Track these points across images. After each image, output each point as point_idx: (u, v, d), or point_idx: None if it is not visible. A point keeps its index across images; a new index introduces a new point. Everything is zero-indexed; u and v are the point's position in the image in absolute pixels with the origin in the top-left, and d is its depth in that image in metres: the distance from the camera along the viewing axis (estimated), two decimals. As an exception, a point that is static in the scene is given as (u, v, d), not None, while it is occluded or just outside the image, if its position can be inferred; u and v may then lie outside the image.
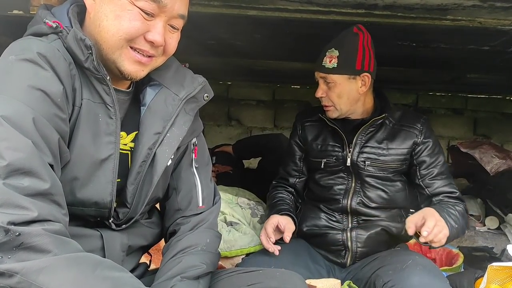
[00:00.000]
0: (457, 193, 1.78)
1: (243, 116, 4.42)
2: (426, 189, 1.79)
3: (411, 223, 1.55)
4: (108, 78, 1.03)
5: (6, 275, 0.80)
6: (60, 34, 1.02)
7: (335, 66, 1.74)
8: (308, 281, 1.38)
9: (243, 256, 1.94)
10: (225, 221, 2.12)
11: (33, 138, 0.88)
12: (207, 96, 1.20)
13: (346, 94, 1.76)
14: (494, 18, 1.67)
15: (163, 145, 1.13)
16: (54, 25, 1.02)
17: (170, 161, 1.16)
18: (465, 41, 2.07)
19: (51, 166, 0.91)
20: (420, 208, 1.70)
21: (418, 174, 1.80)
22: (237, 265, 1.83)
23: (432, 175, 1.78)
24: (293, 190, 2.00)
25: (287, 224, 1.74)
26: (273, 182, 2.05)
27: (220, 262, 1.69)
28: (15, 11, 1.69)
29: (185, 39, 2.27)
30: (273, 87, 4.37)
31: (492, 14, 1.62)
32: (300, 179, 1.98)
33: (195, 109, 1.20)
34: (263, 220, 2.25)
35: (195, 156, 1.26)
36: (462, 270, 2.17)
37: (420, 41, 2.13)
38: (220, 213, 2.03)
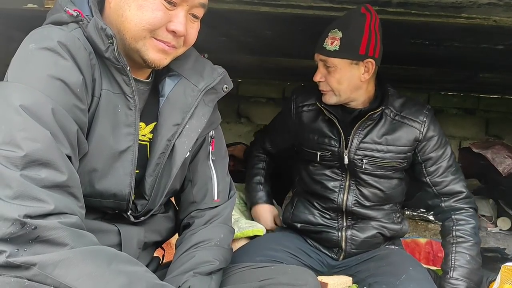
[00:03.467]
0: (465, 193, 1.72)
1: (253, 113, 4.41)
2: (433, 188, 1.72)
3: None
4: (128, 68, 1.02)
5: (22, 268, 0.81)
6: (81, 23, 1.01)
7: (337, 49, 1.59)
8: (319, 278, 1.37)
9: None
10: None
11: (51, 129, 0.87)
12: (226, 87, 1.20)
13: (346, 80, 1.63)
14: (510, 17, 1.65)
15: (182, 137, 1.13)
16: (75, 14, 1.01)
17: (188, 153, 1.15)
18: (479, 40, 2.05)
19: (69, 157, 0.90)
20: (418, 198, 1.78)
21: (424, 171, 1.72)
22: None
23: (440, 173, 1.70)
24: (267, 157, 2.06)
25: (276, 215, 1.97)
26: (253, 149, 2.12)
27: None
28: (30, 5, 1.70)
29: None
30: (283, 85, 4.36)
31: (508, 12, 1.60)
32: (275, 151, 2.04)
33: (214, 101, 1.19)
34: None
35: (212, 149, 1.26)
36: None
37: (433, 39, 2.11)
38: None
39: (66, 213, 0.86)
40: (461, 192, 1.72)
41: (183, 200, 1.27)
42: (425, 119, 1.68)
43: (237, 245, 1.91)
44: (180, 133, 1.13)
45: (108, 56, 1.00)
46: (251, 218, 2.18)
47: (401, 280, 1.49)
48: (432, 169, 1.71)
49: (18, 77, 0.92)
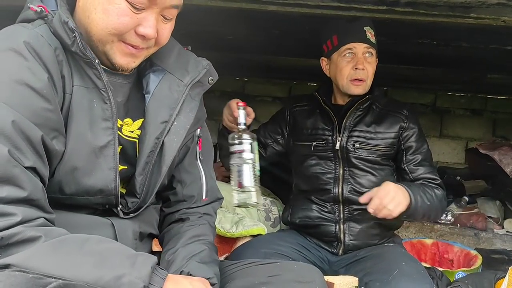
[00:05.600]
0: (439, 181, 1.83)
1: (259, 112, 4.36)
2: (410, 174, 1.83)
3: (367, 194, 1.65)
4: (97, 61, 0.99)
5: (14, 269, 0.82)
6: (46, 18, 0.98)
7: (375, 42, 1.81)
8: (326, 278, 1.37)
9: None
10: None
11: (12, 142, 0.86)
12: (211, 79, 1.17)
13: (375, 71, 1.84)
14: (519, 17, 1.63)
15: (171, 134, 1.11)
16: (39, 10, 0.98)
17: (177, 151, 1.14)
18: (487, 40, 2.03)
19: (34, 168, 0.90)
20: None
21: (404, 159, 1.84)
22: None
23: (417, 161, 1.82)
24: None
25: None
26: None
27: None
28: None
29: (204, 34, 2.27)
30: (289, 84, 4.35)
31: (517, 12, 1.58)
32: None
33: (201, 94, 1.17)
34: (276, 223, 2.25)
35: (199, 148, 1.24)
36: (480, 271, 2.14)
37: (442, 40, 2.10)
38: (231, 212, 2.04)
39: (32, 219, 0.87)
40: (434, 179, 1.82)
41: (172, 199, 1.26)
42: (407, 112, 1.86)
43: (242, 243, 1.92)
44: (169, 130, 1.11)
45: (74, 50, 0.96)
46: (258, 216, 2.19)
47: (393, 275, 1.53)
48: (410, 157, 1.83)
49: None
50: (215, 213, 1.31)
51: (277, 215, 2.28)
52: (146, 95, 1.13)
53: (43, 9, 0.99)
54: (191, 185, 1.24)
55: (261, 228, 1.98)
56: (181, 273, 1.06)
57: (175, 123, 1.11)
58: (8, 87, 0.89)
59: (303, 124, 1.91)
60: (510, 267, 1.49)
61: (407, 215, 1.69)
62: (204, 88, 1.18)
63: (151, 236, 1.25)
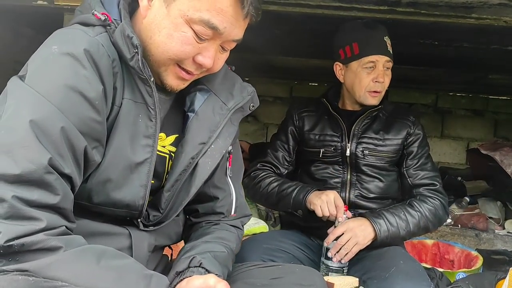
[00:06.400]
0: (437, 186, 1.81)
1: (260, 112, 4.40)
2: (408, 179, 1.83)
3: (332, 235, 1.64)
4: (152, 79, 0.99)
5: (16, 273, 0.81)
6: (108, 27, 0.98)
7: (392, 53, 1.78)
8: (326, 278, 1.38)
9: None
10: None
11: (56, 148, 0.86)
12: (253, 106, 1.18)
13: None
14: (521, 18, 1.63)
15: (206, 157, 1.10)
16: (103, 18, 0.98)
17: (209, 174, 1.14)
18: (489, 41, 2.03)
19: (70, 177, 0.89)
20: (405, 199, 1.81)
21: (404, 163, 1.84)
22: None
23: (416, 165, 1.82)
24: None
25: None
26: (259, 165, 1.95)
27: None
28: (40, 2, 1.69)
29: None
30: (290, 84, 4.35)
31: (519, 13, 1.58)
32: (289, 171, 1.94)
33: (240, 119, 1.17)
34: (276, 222, 2.25)
35: (229, 165, 1.23)
36: (481, 272, 2.14)
37: (443, 40, 2.10)
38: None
39: (55, 227, 0.86)
40: (433, 184, 1.80)
41: (201, 210, 1.25)
42: (414, 119, 1.86)
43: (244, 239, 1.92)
44: (205, 152, 1.10)
45: (132, 65, 0.97)
46: (258, 215, 2.19)
47: (390, 273, 1.53)
48: (410, 162, 1.83)
49: (36, 82, 0.89)
50: (243, 227, 1.30)
51: (278, 215, 2.28)
52: (189, 113, 1.13)
53: (107, 18, 0.98)
54: (221, 201, 1.24)
55: (263, 226, 1.98)
56: (192, 259, 1.05)
57: (212, 146, 1.11)
58: (61, 92, 0.88)
59: (311, 130, 1.90)
60: (510, 268, 1.49)
61: (379, 244, 1.70)
62: (244, 113, 1.18)
63: (164, 247, 1.25)
